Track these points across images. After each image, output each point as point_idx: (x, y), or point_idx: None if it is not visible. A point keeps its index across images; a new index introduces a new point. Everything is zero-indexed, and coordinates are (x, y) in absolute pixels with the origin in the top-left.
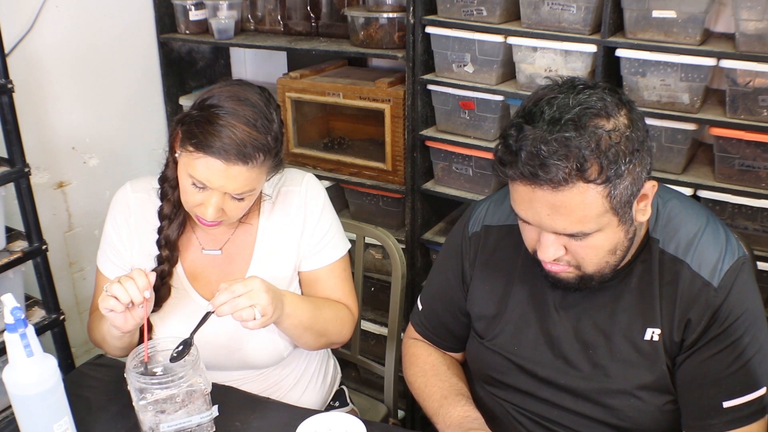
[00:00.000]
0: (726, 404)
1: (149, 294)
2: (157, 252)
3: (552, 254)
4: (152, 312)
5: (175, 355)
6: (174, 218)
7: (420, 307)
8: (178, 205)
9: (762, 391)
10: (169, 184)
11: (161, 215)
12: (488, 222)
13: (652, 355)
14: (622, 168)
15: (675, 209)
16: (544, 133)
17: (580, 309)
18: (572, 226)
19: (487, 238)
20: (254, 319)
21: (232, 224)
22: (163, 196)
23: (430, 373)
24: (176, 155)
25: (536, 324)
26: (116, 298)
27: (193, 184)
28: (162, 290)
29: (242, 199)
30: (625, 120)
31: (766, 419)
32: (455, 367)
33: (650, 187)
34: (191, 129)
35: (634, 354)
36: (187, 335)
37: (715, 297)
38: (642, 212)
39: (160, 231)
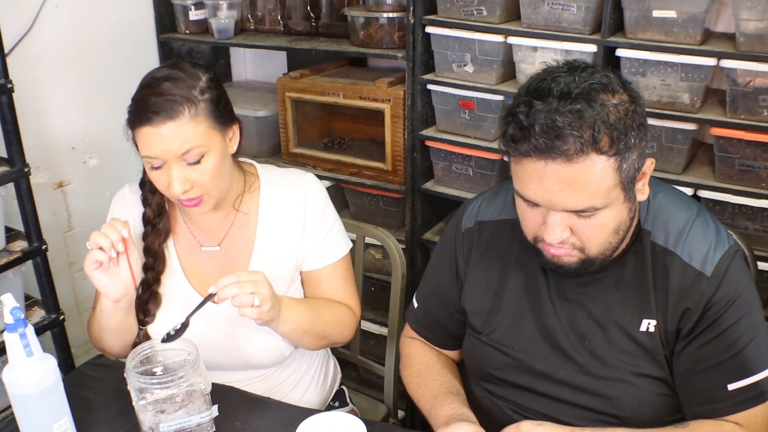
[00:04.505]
0: (731, 387)
1: (127, 233)
2: None
3: (559, 236)
4: (145, 324)
5: (172, 333)
6: (156, 224)
7: (416, 304)
8: (159, 210)
9: (765, 374)
10: (148, 188)
11: (144, 221)
12: (481, 218)
13: (649, 346)
14: (632, 141)
15: (664, 201)
16: (556, 105)
17: (574, 301)
18: (584, 200)
19: (480, 234)
20: (252, 306)
21: (228, 211)
22: (144, 201)
23: (424, 373)
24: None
25: (531, 317)
26: (101, 248)
27: (151, 166)
28: (151, 300)
29: (198, 161)
30: (628, 97)
31: None
32: (449, 366)
33: (649, 165)
34: (128, 115)
35: (631, 344)
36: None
37: (708, 286)
38: (641, 192)
39: (143, 238)
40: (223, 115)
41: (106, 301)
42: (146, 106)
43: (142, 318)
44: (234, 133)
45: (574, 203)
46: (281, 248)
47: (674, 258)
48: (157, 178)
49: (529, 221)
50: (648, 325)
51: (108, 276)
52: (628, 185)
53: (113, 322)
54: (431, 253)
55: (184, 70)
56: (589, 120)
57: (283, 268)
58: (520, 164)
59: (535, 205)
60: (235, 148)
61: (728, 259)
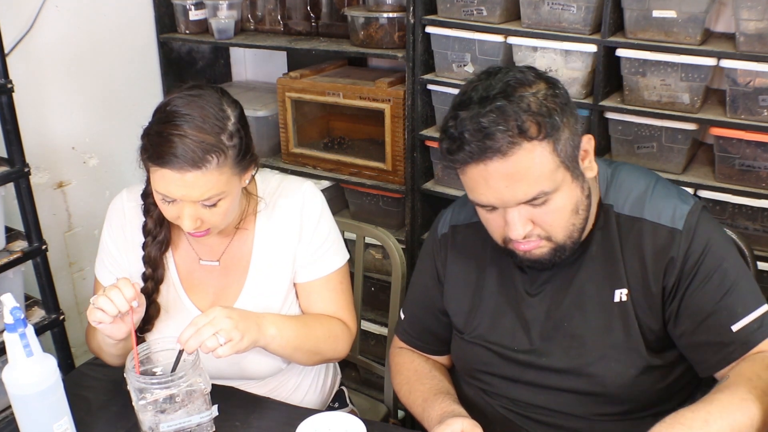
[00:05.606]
0: (735, 327)
1: (137, 303)
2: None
3: (521, 230)
4: (144, 332)
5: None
6: (157, 235)
7: (402, 316)
8: (160, 221)
9: (763, 308)
10: (151, 200)
11: (144, 231)
12: (454, 222)
13: (623, 316)
14: (558, 121)
15: (623, 174)
16: (478, 109)
17: (549, 288)
18: (531, 189)
19: (455, 237)
20: (220, 345)
21: (228, 232)
22: (146, 212)
23: (413, 378)
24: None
25: (511, 312)
26: (103, 310)
27: (162, 198)
28: (151, 309)
29: (215, 205)
30: (545, 85)
31: None
32: (438, 369)
33: (587, 141)
34: (145, 143)
35: (608, 318)
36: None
37: (683, 240)
38: (589, 169)
39: (143, 248)
40: (247, 160)
41: (108, 338)
42: (168, 147)
43: (142, 326)
44: (251, 169)
45: (523, 194)
46: (278, 260)
47: (642, 222)
48: (166, 210)
49: (493, 225)
50: (620, 294)
51: (111, 325)
52: (571, 164)
53: (115, 350)
54: None
55: (211, 105)
56: (511, 113)
57: (279, 281)
58: (464, 174)
59: (493, 208)
60: (248, 181)
61: (696, 213)
